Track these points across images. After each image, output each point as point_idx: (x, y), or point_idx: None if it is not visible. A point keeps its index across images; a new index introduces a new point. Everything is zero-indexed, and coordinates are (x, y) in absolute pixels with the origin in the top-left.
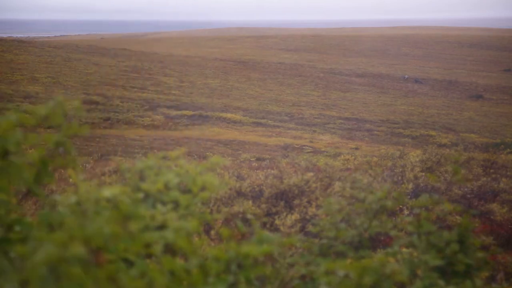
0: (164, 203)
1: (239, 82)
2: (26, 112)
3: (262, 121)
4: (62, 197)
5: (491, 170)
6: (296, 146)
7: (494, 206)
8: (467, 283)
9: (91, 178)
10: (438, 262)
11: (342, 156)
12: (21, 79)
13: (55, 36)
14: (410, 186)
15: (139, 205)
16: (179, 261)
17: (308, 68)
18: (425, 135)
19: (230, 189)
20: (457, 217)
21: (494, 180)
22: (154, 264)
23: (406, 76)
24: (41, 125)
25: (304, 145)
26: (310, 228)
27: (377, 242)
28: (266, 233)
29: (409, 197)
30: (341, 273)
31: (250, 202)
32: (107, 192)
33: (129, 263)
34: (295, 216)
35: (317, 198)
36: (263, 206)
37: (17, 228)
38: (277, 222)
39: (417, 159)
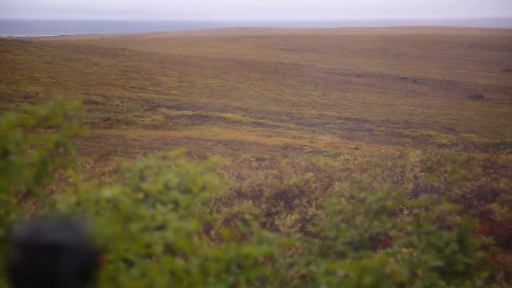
0: (164, 203)
1: (239, 82)
2: (26, 112)
3: (262, 121)
4: (62, 197)
5: (491, 170)
6: (296, 146)
7: (494, 206)
8: (467, 283)
9: (91, 178)
10: (437, 262)
11: (342, 156)
12: (21, 79)
13: (55, 36)
14: (410, 186)
15: (139, 205)
16: (179, 261)
17: (308, 68)
18: (425, 135)
19: (230, 189)
20: (457, 217)
21: (494, 180)
22: (154, 264)
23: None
24: (41, 125)
25: (304, 145)
26: (310, 228)
27: (377, 242)
28: (266, 233)
29: (409, 197)
30: (341, 273)
31: (250, 202)
32: (107, 192)
33: (129, 263)
34: (295, 216)
35: (317, 198)
36: (263, 206)
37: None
38: (277, 222)
39: (417, 159)
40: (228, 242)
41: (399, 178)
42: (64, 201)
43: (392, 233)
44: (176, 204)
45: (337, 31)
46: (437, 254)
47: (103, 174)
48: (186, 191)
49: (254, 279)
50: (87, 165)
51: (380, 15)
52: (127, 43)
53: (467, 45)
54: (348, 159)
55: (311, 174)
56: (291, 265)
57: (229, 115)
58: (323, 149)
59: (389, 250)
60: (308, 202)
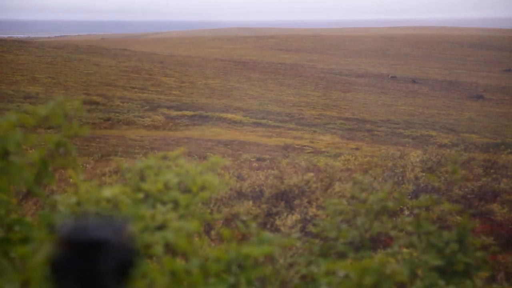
0: (164, 203)
1: (239, 82)
2: (26, 112)
3: (263, 121)
4: (63, 197)
5: (492, 171)
6: (297, 146)
7: (495, 206)
8: (467, 282)
9: (91, 179)
10: (438, 262)
11: (343, 157)
12: (21, 80)
13: (55, 36)
14: (411, 186)
15: (140, 205)
16: (179, 262)
17: (308, 69)
18: (425, 135)
19: (231, 189)
20: (458, 217)
21: (495, 181)
22: (154, 264)
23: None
24: (41, 125)
25: (305, 146)
26: (310, 228)
27: (377, 242)
28: (267, 234)
29: (409, 197)
30: (341, 273)
31: (251, 202)
32: (107, 193)
33: None
34: (296, 216)
35: (317, 199)
36: (264, 206)
37: (17, 228)
38: (277, 222)
39: (418, 160)
40: (229, 242)
41: (400, 178)
42: (64, 202)
43: (393, 233)
44: (176, 204)
45: (337, 31)
46: (437, 254)
47: (104, 175)
48: (186, 191)
49: (255, 279)
50: (87, 165)
51: (380, 15)
52: (127, 43)
53: (467, 45)
54: (348, 159)
55: (311, 174)
56: (291, 266)
57: (229, 116)
58: (323, 150)
59: (389, 250)
60: (309, 202)
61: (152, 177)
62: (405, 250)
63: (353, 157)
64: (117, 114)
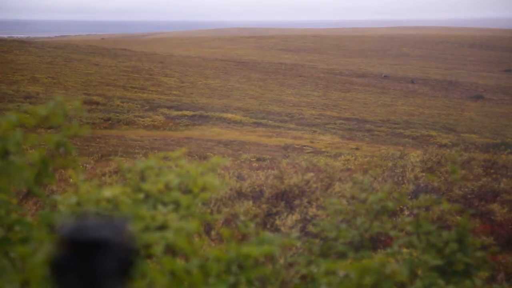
0: (164, 204)
1: (239, 82)
2: (26, 112)
3: (263, 121)
4: (63, 197)
5: (492, 171)
6: (297, 146)
7: (495, 207)
8: (467, 282)
9: (91, 179)
10: (437, 261)
11: (343, 157)
12: (21, 80)
13: (55, 36)
14: (411, 186)
15: (140, 206)
16: (179, 262)
17: (308, 69)
18: (425, 135)
19: (231, 189)
20: (457, 217)
21: (495, 181)
22: (154, 264)
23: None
24: (41, 125)
25: (305, 146)
26: (310, 228)
27: (377, 242)
28: (267, 234)
29: (409, 197)
30: (341, 273)
31: (251, 202)
32: (107, 193)
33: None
34: (296, 216)
35: (317, 199)
36: (264, 206)
37: (17, 228)
38: (277, 222)
39: (418, 160)
40: (229, 242)
41: (400, 178)
42: (64, 202)
43: (393, 233)
44: (176, 205)
45: (337, 31)
46: (437, 254)
47: (104, 175)
48: (187, 191)
49: (255, 279)
50: (87, 165)
51: (380, 15)
52: (127, 43)
53: (467, 45)
54: (348, 159)
55: (311, 174)
56: (291, 265)
57: (229, 116)
58: (323, 150)
59: (389, 250)
60: (309, 202)
61: (152, 177)
62: (405, 250)
63: (353, 157)
64: (117, 114)
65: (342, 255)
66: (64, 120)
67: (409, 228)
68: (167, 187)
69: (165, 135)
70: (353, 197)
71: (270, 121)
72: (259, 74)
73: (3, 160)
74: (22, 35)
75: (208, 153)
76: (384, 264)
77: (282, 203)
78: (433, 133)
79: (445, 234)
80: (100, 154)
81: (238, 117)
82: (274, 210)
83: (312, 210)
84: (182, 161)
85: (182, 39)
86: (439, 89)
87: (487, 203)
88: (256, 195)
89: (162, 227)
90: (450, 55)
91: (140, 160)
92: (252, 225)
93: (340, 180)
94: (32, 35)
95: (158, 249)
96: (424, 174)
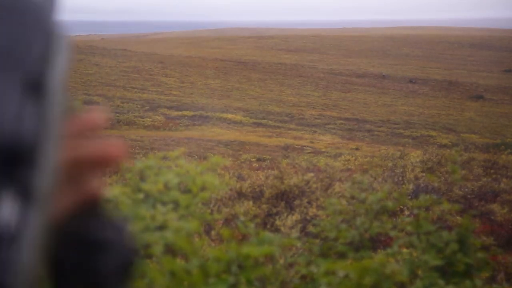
0: (164, 204)
1: (239, 82)
2: None
3: (263, 121)
4: None
5: (492, 171)
6: (297, 146)
7: (495, 207)
8: (467, 283)
9: None
10: (437, 262)
11: (343, 157)
12: None
13: None
14: (411, 186)
15: (140, 206)
16: (179, 262)
17: (308, 69)
18: (425, 135)
19: (231, 189)
20: (458, 217)
21: (495, 181)
22: (154, 264)
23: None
24: None
25: (305, 146)
26: (310, 228)
27: (377, 242)
28: (267, 234)
29: (409, 197)
30: (341, 273)
31: (251, 202)
32: (107, 193)
33: None
34: (296, 216)
35: (317, 199)
36: (264, 206)
37: None
38: (277, 222)
39: (418, 160)
40: (229, 242)
41: (400, 178)
42: None
43: (393, 233)
44: (176, 204)
45: (337, 31)
46: (437, 254)
47: (104, 175)
48: (186, 191)
49: (255, 279)
50: None
51: (380, 15)
52: (127, 43)
53: (467, 45)
54: (348, 159)
55: (311, 174)
56: (291, 266)
57: (229, 116)
58: (323, 150)
59: (389, 250)
60: (309, 202)
61: (152, 177)
62: (405, 250)
63: (353, 157)
64: (117, 114)
65: (342, 255)
66: None
67: (409, 228)
68: (167, 187)
69: (165, 135)
70: (353, 197)
71: (270, 121)
72: (259, 74)
73: None
74: None
75: (208, 153)
76: (384, 264)
77: (282, 203)
78: (433, 133)
79: (445, 234)
80: None
81: (238, 117)
82: (274, 210)
83: (312, 210)
84: (181, 161)
85: (182, 39)
86: (439, 89)
87: (487, 203)
88: (256, 195)
89: (162, 227)
90: (450, 55)
91: (140, 160)
92: (252, 225)
93: (340, 180)
94: None
95: (158, 249)
96: (424, 174)
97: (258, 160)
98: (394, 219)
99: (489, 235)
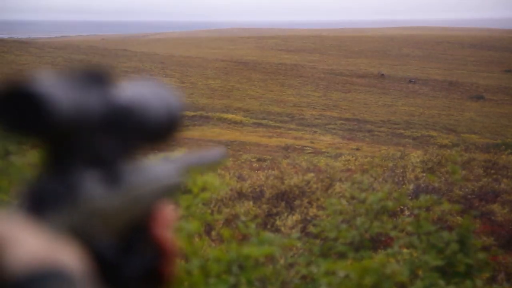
0: None
1: (240, 82)
2: None
3: (263, 121)
4: None
5: (492, 171)
6: (297, 146)
7: (495, 207)
8: (468, 283)
9: None
10: (438, 262)
11: (343, 157)
12: None
13: (56, 36)
14: (411, 186)
15: None
16: (179, 262)
17: (309, 69)
18: (426, 135)
19: (231, 189)
20: (458, 217)
21: (495, 181)
22: None
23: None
24: None
25: (305, 146)
26: (311, 228)
27: (377, 242)
28: (267, 234)
29: (409, 197)
30: (341, 273)
31: (251, 202)
32: None
33: None
34: (296, 216)
35: (318, 199)
36: (264, 206)
37: None
38: (278, 222)
39: (418, 160)
40: (229, 242)
41: (400, 178)
42: None
43: (393, 233)
44: (176, 205)
45: (337, 31)
46: (438, 255)
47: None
48: (187, 191)
49: (255, 279)
50: None
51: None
52: (128, 43)
53: (468, 45)
54: (349, 159)
55: (312, 174)
56: (292, 266)
57: (230, 116)
58: (324, 150)
59: (389, 250)
60: (309, 202)
61: None
62: (405, 250)
63: (354, 158)
64: None
65: (342, 255)
66: None
67: (409, 228)
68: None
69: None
70: (353, 197)
71: (270, 122)
72: (260, 75)
73: (3, 160)
74: (22, 36)
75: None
76: (384, 264)
77: (283, 204)
78: (434, 133)
79: (445, 234)
80: None
81: (238, 117)
82: (274, 210)
83: (313, 211)
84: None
85: (182, 40)
86: (439, 90)
87: (488, 204)
88: (257, 196)
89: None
90: (450, 55)
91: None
92: (253, 225)
93: (340, 180)
94: (32, 36)
95: None
96: (424, 174)
97: (259, 160)
98: (395, 219)
99: (489, 236)
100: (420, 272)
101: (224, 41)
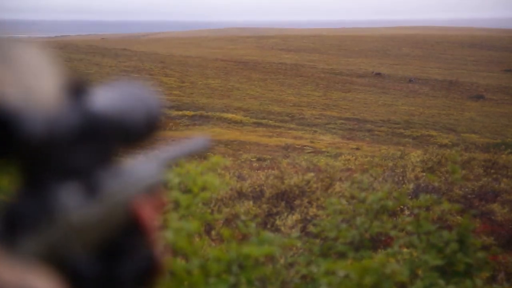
0: None
1: (240, 82)
2: None
3: (263, 121)
4: None
5: (492, 171)
6: (297, 146)
7: (495, 207)
8: (467, 282)
9: None
10: (438, 261)
11: (343, 157)
12: None
13: (55, 36)
14: (411, 186)
15: None
16: (180, 262)
17: (309, 69)
18: (426, 135)
19: (231, 189)
20: (458, 217)
21: (495, 181)
22: None
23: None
24: None
25: (305, 146)
26: (311, 228)
27: (377, 242)
28: (267, 234)
29: (409, 197)
30: (341, 273)
31: (251, 202)
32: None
33: None
34: (296, 216)
35: (318, 199)
36: (264, 206)
37: None
38: (278, 222)
39: (418, 159)
40: (229, 242)
41: (400, 178)
42: None
43: (393, 233)
44: (177, 204)
45: (337, 31)
46: (438, 254)
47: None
48: (187, 191)
49: (255, 279)
50: None
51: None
52: (128, 43)
53: (467, 45)
54: (349, 159)
55: (312, 174)
56: (291, 265)
57: (230, 116)
58: (324, 149)
59: (389, 250)
60: (309, 202)
61: None
62: (405, 250)
63: (354, 157)
64: None
65: (342, 255)
66: None
67: (409, 228)
68: (167, 187)
69: (165, 135)
70: (353, 197)
71: (270, 121)
72: (260, 74)
73: (3, 160)
74: (22, 35)
75: (208, 153)
76: (384, 264)
77: (283, 203)
78: (434, 133)
79: (445, 234)
80: None
81: (238, 117)
82: (274, 210)
83: (313, 210)
84: (181, 160)
85: (182, 39)
86: (439, 89)
87: (488, 203)
88: (257, 195)
89: (162, 227)
90: (450, 55)
91: None
92: (253, 225)
93: (340, 180)
94: (32, 35)
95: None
96: (424, 174)
97: (259, 160)
98: (394, 219)
99: (489, 235)
100: (420, 272)
101: (224, 41)
